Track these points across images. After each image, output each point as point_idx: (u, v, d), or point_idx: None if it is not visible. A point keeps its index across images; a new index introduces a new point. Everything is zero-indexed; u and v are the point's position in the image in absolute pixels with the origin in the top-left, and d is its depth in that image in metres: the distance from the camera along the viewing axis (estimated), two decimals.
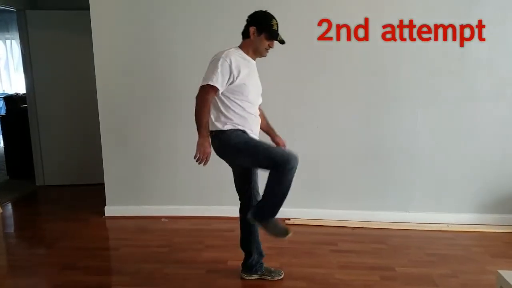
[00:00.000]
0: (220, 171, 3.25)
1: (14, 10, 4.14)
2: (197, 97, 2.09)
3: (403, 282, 2.36)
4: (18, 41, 4.35)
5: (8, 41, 7.25)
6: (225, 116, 2.12)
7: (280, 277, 2.38)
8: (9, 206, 3.82)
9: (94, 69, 3.24)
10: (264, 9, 2.18)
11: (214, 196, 3.38)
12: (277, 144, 2.38)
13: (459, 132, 3.12)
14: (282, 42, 2.16)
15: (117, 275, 2.54)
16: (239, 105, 2.12)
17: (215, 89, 2.05)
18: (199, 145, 2.05)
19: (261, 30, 2.11)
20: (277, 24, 2.14)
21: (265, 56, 2.21)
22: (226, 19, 3.10)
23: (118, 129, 3.34)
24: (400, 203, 3.25)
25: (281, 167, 2.02)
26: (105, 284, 2.38)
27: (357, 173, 3.25)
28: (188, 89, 3.20)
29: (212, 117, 2.15)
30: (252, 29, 2.12)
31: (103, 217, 3.43)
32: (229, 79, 2.06)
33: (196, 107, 2.08)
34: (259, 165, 2.18)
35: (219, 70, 2.02)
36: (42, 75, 4.18)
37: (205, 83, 2.05)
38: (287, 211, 3.18)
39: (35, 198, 4.14)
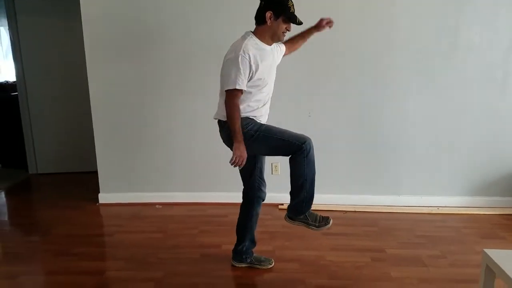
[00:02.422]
0: (214, 157, 3.29)
1: None
2: (227, 103, 2.00)
3: (393, 263, 2.41)
4: (7, 28, 4.28)
5: None
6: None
7: (271, 266, 2.38)
8: (2, 195, 3.82)
9: (85, 55, 3.20)
10: None
11: (208, 183, 3.40)
12: (321, 25, 2.30)
13: (450, 116, 3.15)
14: (300, 23, 2.04)
15: (112, 260, 2.56)
16: (253, 96, 2.06)
17: (241, 91, 1.99)
18: (236, 149, 2.01)
19: (278, 14, 1.98)
20: (293, 5, 2.01)
21: (282, 41, 2.12)
22: (225, 5, 3.07)
23: (111, 115, 3.32)
24: (391, 187, 3.29)
25: (299, 150, 2.02)
26: (100, 269, 2.40)
27: (348, 158, 3.28)
28: (183, 77, 3.22)
29: (223, 106, 2.06)
30: (268, 14, 1.98)
31: (97, 204, 3.44)
32: (248, 75, 1.98)
33: (228, 113, 2.00)
34: (275, 150, 2.14)
35: (241, 70, 1.93)
36: (32, 62, 4.13)
37: (232, 87, 1.96)
38: (279, 196, 3.20)
39: (28, 186, 4.13)
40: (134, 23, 3.16)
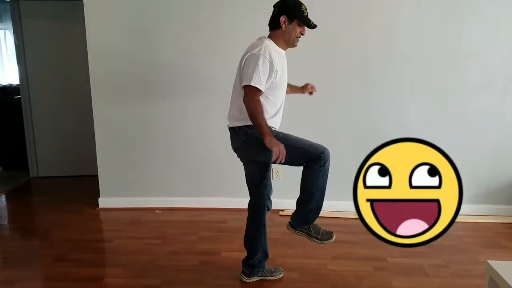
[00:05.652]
0: (215, 163, 3.28)
1: (7, 0, 4.08)
2: (246, 100, 1.93)
3: (395, 273, 2.38)
4: (12, 31, 4.29)
5: (1, 32, 7.15)
6: None
7: (281, 275, 2.32)
8: (3, 198, 3.81)
9: (88, 59, 3.21)
10: None
11: (208, 188, 3.38)
12: (306, 88, 2.41)
13: (452, 123, 3.13)
14: (314, 26, 2.01)
15: (110, 266, 2.54)
16: (270, 100, 2.02)
17: (258, 89, 1.92)
18: (271, 143, 1.87)
19: (292, 18, 1.97)
20: (306, 9, 2.00)
21: (296, 46, 2.05)
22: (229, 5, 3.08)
23: (112, 120, 3.32)
24: None
25: (317, 159, 1.99)
26: (97, 276, 2.37)
27: (350, 164, 3.23)
28: (183, 80, 3.22)
29: (238, 112, 2.03)
30: (283, 18, 1.97)
31: (97, 208, 3.43)
32: (269, 77, 1.94)
33: (250, 109, 1.92)
34: (292, 159, 2.03)
35: (260, 69, 1.89)
36: (36, 66, 4.15)
37: (247, 83, 1.90)
38: (280, 202, 3.19)
39: (29, 189, 4.13)
40: (137, 25, 3.17)
